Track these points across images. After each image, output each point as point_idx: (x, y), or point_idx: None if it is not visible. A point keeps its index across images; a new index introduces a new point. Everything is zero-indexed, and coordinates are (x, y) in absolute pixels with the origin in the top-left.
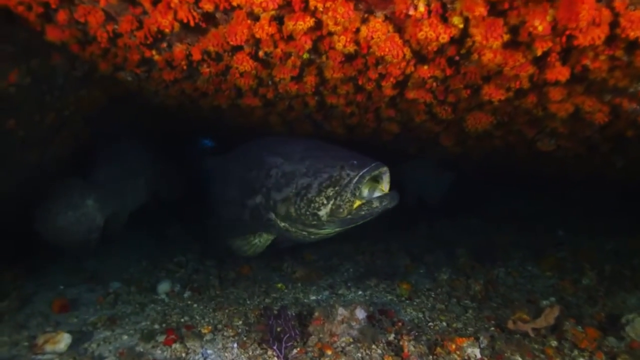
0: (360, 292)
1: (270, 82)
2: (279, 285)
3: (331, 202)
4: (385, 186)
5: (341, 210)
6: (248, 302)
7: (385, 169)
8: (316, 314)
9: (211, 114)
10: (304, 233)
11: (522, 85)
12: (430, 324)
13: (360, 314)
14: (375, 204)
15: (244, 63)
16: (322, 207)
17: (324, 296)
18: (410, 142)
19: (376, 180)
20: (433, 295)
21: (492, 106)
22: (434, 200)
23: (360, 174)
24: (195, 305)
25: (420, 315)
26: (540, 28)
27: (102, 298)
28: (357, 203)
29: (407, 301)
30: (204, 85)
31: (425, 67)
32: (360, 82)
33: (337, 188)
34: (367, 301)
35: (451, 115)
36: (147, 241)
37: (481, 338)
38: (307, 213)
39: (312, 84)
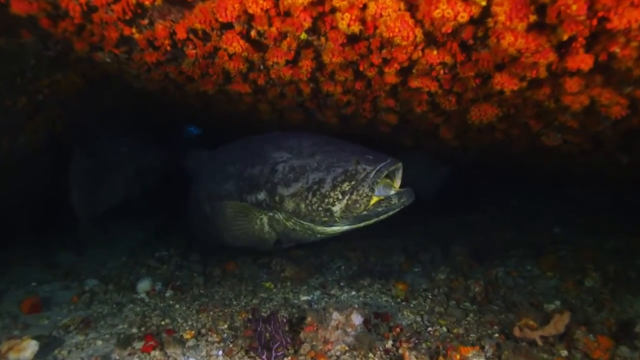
0: (353, 293)
1: (262, 67)
2: (267, 284)
3: (347, 197)
4: (397, 183)
5: (358, 205)
6: (234, 302)
7: (400, 164)
8: (309, 319)
9: (197, 101)
10: (309, 232)
11: (539, 74)
12: (429, 329)
13: (357, 319)
14: (394, 200)
15: (234, 44)
16: (336, 202)
17: (316, 296)
18: (406, 134)
19: (388, 176)
20: (430, 297)
21: (501, 97)
22: (429, 195)
23: (378, 168)
24: (177, 306)
25: (419, 319)
26: (574, 7)
27: (77, 297)
28: (375, 199)
29: (404, 303)
30: (190, 69)
31: (435, 52)
32: (361, 68)
33: (353, 182)
34: (361, 303)
35: (455, 106)
36: (129, 233)
37: (486, 347)
38: (320, 209)
39: (308, 69)
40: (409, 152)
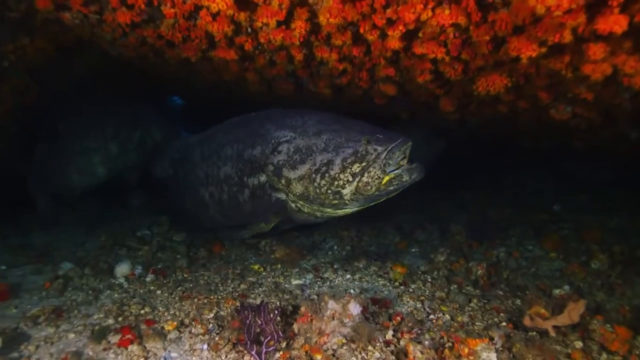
0: (348, 276)
1: (249, 29)
2: (256, 266)
3: (357, 179)
4: (405, 160)
5: (369, 187)
6: (221, 288)
7: (410, 143)
8: (302, 308)
9: (179, 70)
10: (317, 214)
11: (563, 38)
12: (431, 316)
13: (355, 308)
14: (405, 177)
15: (217, 0)
16: (346, 185)
17: (308, 280)
18: (402, 107)
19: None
20: (430, 280)
21: (512, 66)
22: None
23: (389, 148)
24: (158, 292)
25: (419, 305)
26: None
27: (50, 283)
28: (386, 178)
29: (402, 287)
30: (169, 32)
31: (447, 11)
32: (361, 31)
33: (363, 164)
34: (357, 287)
35: (460, 75)
36: (109, 211)
37: (495, 338)
38: (329, 192)
39: (302, 32)
40: (403, 125)
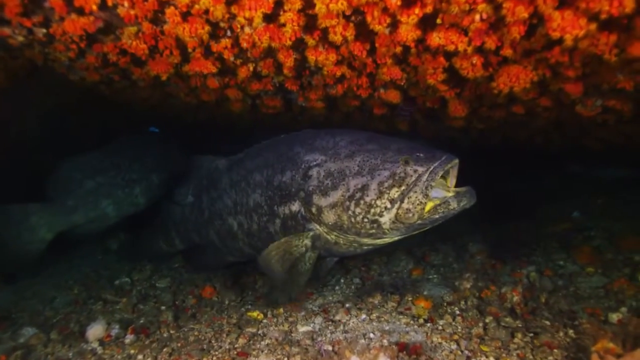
0: (364, 316)
1: (228, 31)
2: (255, 313)
3: (396, 206)
4: (451, 181)
5: (410, 215)
6: (215, 345)
7: (456, 161)
8: None
9: (153, 94)
10: (355, 244)
11: (623, 7)
12: None
13: None
14: (453, 204)
15: None
16: (384, 213)
17: (317, 325)
18: (402, 117)
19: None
20: (459, 313)
21: (541, 55)
22: None
23: (432, 168)
24: (140, 357)
25: (454, 347)
26: None
27: (5, 356)
28: (430, 204)
29: (429, 324)
30: (133, 43)
31: None
32: (368, 19)
33: (402, 188)
34: (376, 329)
35: (480, 71)
36: (85, 259)
37: None
38: (365, 220)
39: (294, 26)
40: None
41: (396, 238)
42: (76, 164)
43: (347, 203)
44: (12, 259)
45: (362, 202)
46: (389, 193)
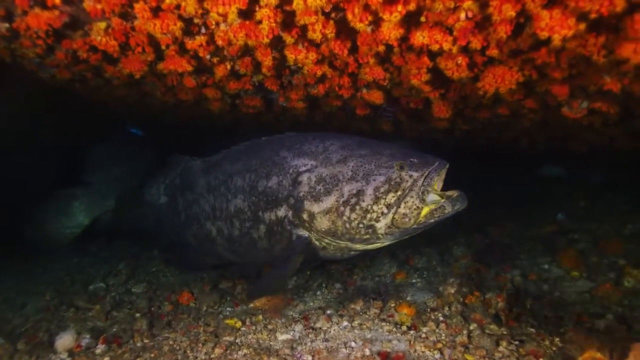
0: (345, 323)
1: (203, 28)
2: (232, 321)
3: (392, 211)
4: (439, 184)
5: (407, 219)
6: (190, 355)
7: (448, 165)
8: None
9: (129, 94)
10: (344, 250)
11: (613, 7)
12: None
13: None
14: (448, 209)
15: None
16: (381, 218)
17: (297, 333)
18: (385, 118)
19: None
20: (442, 320)
21: (528, 56)
22: None
23: (427, 173)
24: None
25: (438, 356)
26: None
27: None
28: (426, 209)
29: (412, 331)
30: (102, 40)
31: None
32: (348, 16)
33: (399, 193)
34: (358, 337)
35: (465, 71)
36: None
37: None
38: (361, 226)
39: (271, 23)
40: (387, 141)
41: (387, 243)
42: (105, 150)
43: (342, 209)
44: (46, 245)
45: (357, 207)
46: (385, 198)
